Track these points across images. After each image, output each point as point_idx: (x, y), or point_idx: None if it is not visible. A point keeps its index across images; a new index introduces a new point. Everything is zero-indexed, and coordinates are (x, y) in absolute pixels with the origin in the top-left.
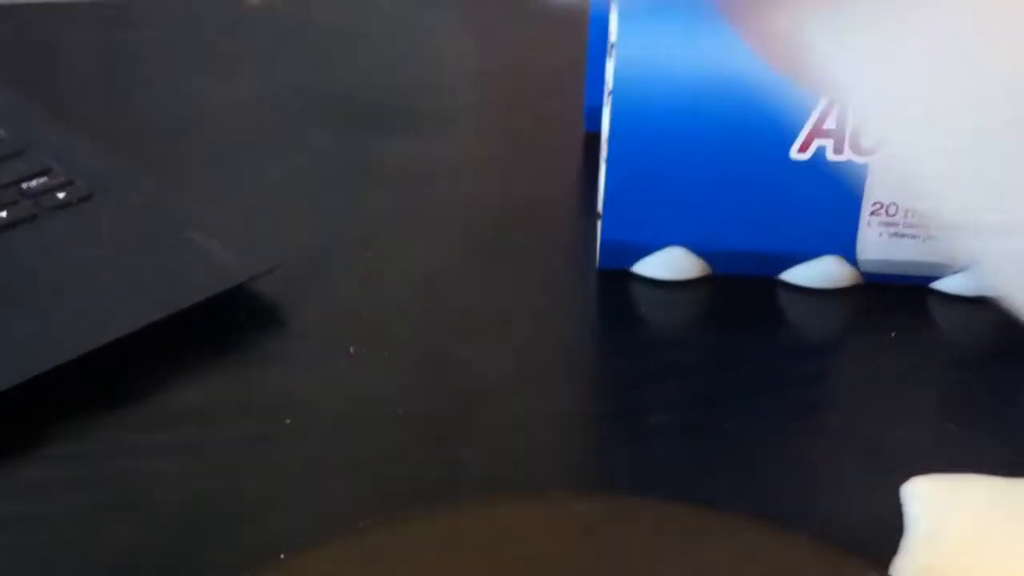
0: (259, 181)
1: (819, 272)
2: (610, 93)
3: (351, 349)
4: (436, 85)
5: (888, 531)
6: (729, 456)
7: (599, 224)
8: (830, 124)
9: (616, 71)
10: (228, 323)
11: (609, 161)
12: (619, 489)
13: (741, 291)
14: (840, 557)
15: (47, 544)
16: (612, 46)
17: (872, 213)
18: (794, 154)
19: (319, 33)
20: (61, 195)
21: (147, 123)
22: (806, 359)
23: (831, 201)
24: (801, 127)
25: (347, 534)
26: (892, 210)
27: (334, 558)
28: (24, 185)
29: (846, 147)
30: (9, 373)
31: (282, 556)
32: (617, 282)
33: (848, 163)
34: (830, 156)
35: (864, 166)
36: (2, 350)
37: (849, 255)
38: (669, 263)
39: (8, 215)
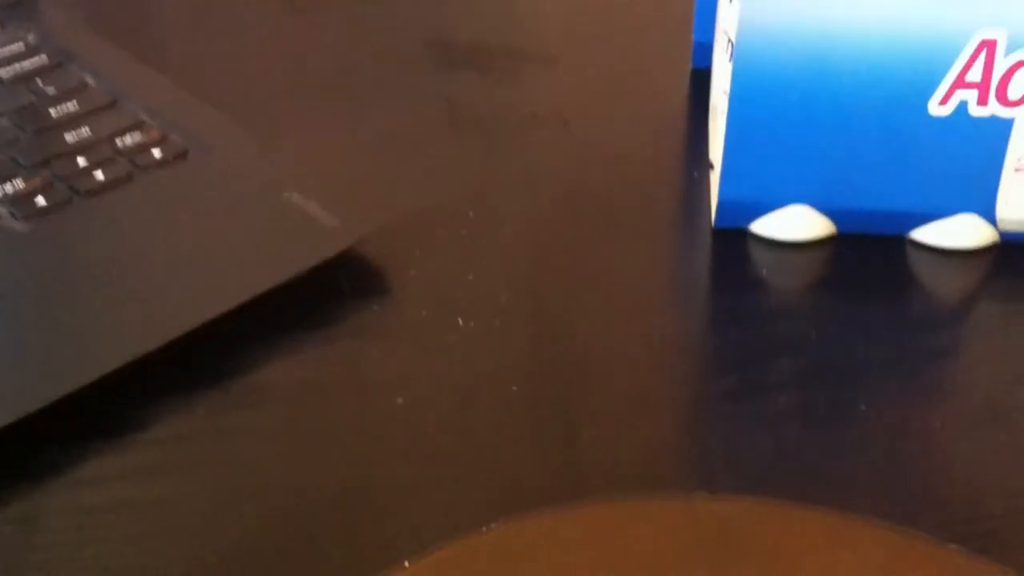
0: (356, 134)
1: (953, 231)
2: (729, 40)
3: (459, 321)
4: (535, 22)
5: None
6: (858, 438)
7: (712, 175)
8: (973, 75)
9: (740, 18)
10: (331, 291)
11: (729, 114)
12: (741, 474)
13: (868, 252)
14: (987, 569)
15: (156, 531)
16: None
17: (1017, 170)
18: (933, 108)
19: None
20: (156, 153)
21: (240, 72)
22: (939, 327)
23: (971, 156)
24: (942, 78)
25: (472, 537)
26: None
27: (459, 563)
28: (118, 141)
29: (991, 99)
30: (111, 355)
31: (406, 564)
32: (734, 242)
33: (992, 118)
34: (972, 110)
35: (1009, 120)
36: (103, 330)
37: (987, 213)
38: (791, 222)
39: (104, 175)
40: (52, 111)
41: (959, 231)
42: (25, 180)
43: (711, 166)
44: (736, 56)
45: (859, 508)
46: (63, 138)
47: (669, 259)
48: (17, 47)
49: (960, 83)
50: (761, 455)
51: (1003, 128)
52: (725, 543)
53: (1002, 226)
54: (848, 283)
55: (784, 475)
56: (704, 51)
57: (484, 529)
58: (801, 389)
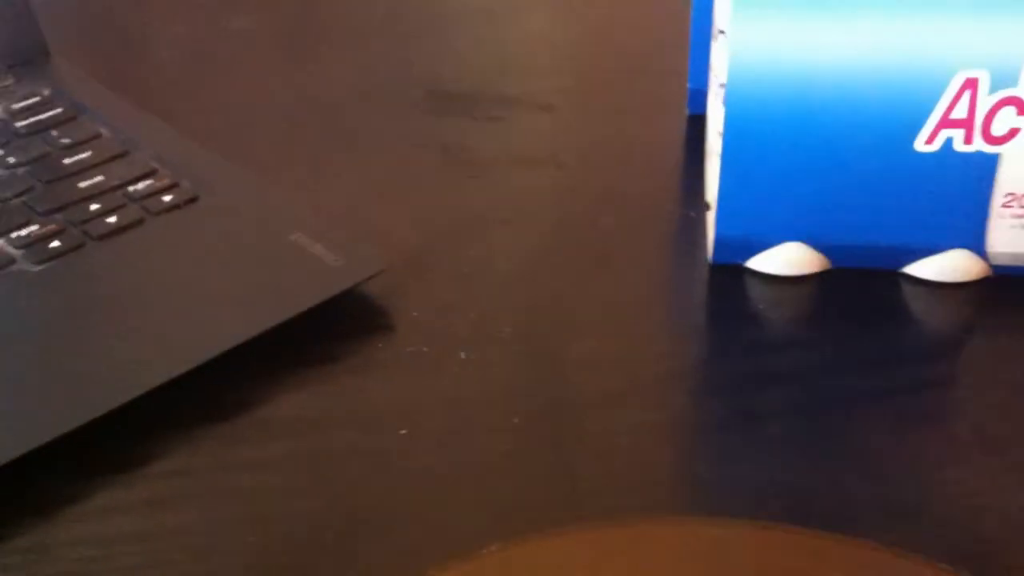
0: (358, 174)
1: (946, 265)
2: (721, 84)
3: (462, 354)
4: (533, 68)
5: None
6: (853, 466)
7: (708, 215)
8: (959, 113)
9: (730, 61)
10: (335, 329)
11: (724, 154)
12: (738, 500)
13: (862, 286)
14: None
15: (161, 561)
16: (720, 32)
17: (1004, 205)
18: (920, 146)
19: (410, 18)
20: (167, 198)
21: (242, 117)
22: (933, 359)
23: (959, 193)
24: (927, 117)
25: (469, 559)
26: None
27: None
28: (130, 188)
29: (976, 137)
30: (119, 390)
31: None
32: (731, 277)
33: (978, 154)
34: (958, 147)
35: (995, 156)
36: (113, 366)
37: (977, 248)
38: (786, 258)
39: (117, 220)
40: (66, 160)
41: (950, 266)
42: (40, 225)
43: (707, 206)
44: (728, 98)
45: (851, 533)
46: (77, 185)
47: (666, 294)
48: (33, 100)
49: (945, 121)
50: (756, 483)
51: (989, 165)
52: (718, 566)
53: (992, 260)
54: (842, 316)
55: (778, 502)
56: (699, 98)
57: (482, 552)
58: (795, 418)
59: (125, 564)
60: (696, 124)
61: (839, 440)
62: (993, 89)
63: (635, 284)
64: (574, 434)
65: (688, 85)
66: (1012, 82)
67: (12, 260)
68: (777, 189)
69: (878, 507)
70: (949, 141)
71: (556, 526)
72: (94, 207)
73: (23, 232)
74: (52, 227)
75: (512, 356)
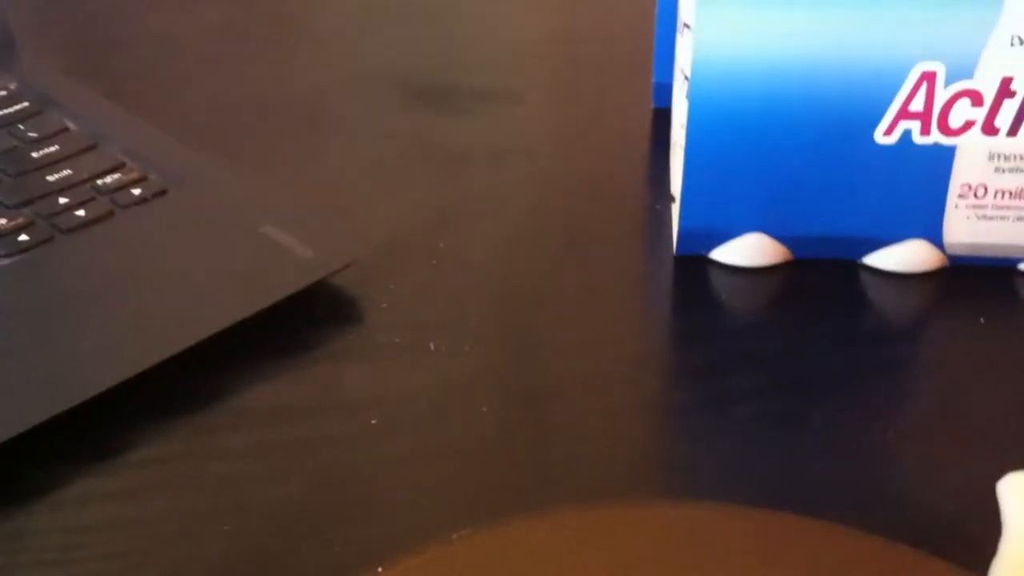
0: (329, 166)
1: (904, 256)
2: (685, 77)
3: (431, 345)
4: (504, 62)
5: (982, 528)
6: (815, 446)
7: (673, 207)
8: (916, 105)
9: (694, 55)
10: (306, 320)
11: (687, 147)
12: (707, 482)
13: (823, 276)
14: (937, 567)
15: (139, 550)
16: (685, 26)
17: (960, 196)
18: (879, 137)
19: (383, 11)
20: (136, 191)
21: (213, 109)
22: (891, 345)
23: (917, 184)
24: (886, 109)
25: (441, 544)
26: (980, 192)
27: (430, 569)
28: (99, 181)
29: (933, 128)
30: (94, 380)
31: (380, 570)
32: (695, 268)
33: (934, 146)
34: (916, 139)
35: (952, 148)
36: (86, 356)
37: (935, 238)
38: (749, 249)
39: (86, 213)
40: (34, 154)
41: (909, 256)
42: (8, 219)
43: (672, 199)
44: (692, 91)
45: (817, 511)
46: (45, 179)
47: (633, 283)
48: (1, 85)
49: (904, 113)
50: (723, 463)
51: (946, 156)
52: (688, 546)
53: (949, 250)
54: (803, 304)
55: (745, 482)
56: (664, 92)
57: (454, 536)
58: (759, 400)
59: (102, 552)
60: (662, 117)
61: (803, 421)
62: (949, 81)
63: (603, 273)
64: (545, 420)
65: (653, 79)
66: (968, 74)
67: None
68: (739, 181)
69: (841, 486)
70: (907, 133)
71: (529, 511)
72: (63, 200)
73: None
74: (20, 220)
75: (482, 344)
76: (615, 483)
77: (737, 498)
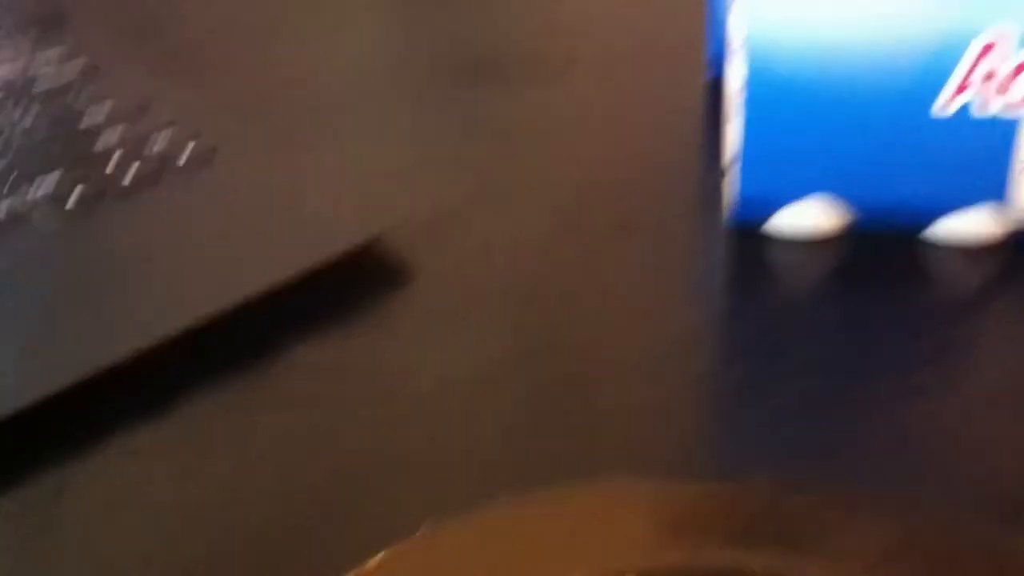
0: (381, 136)
1: (967, 227)
2: (742, 43)
3: (475, 312)
4: (549, 34)
5: None
6: (870, 430)
7: (725, 180)
8: (978, 76)
9: (751, 18)
10: (349, 284)
11: (744, 115)
12: (753, 462)
13: (882, 248)
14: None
15: (182, 503)
16: None
17: None
18: (938, 109)
19: None
20: (185, 154)
21: (263, 80)
22: (953, 321)
23: (979, 155)
24: (947, 79)
25: (474, 514)
26: None
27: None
28: (149, 143)
29: (996, 98)
30: (144, 334)
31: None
32: (748, 240)
33: (999, 116)
34: (976, 111)
35: (1014, 120)
36: (136, 312)
37: (1000, 209)
38: (805, 219)
39: (134, 176)
40: (85, 116)
41: (972, 227)
42: (58, 181)
43: (724, 173)
44: (750, 54)
45: (873, 489)
46: (95, 142)
47: (684, 256)
48: (53, 55)
49: (966, 83)
50: (777, 444)
51: (1010, 126)
52: (739, 524)
53: (1015, 221)
54: (863, 277)
55: (801, 463)
56: (717, 62)
57: (473, 509)
58: (811, 380)
59: (147, 506)
60: (715, 89)
61: (861, 401)
62: (1013, 51)
63: (655, 247)
64: (594, 394)
65: (707, 49)
66: None
67: (32, 215)
68: (797, 147)
69: (900, 468)
70: (967, 105)
71: (571, 483)
72: (113, 163)
73: (43, 187)
74: (69, 182)
75: (524, 318)
76: (665, 459)
77: (789, 476)
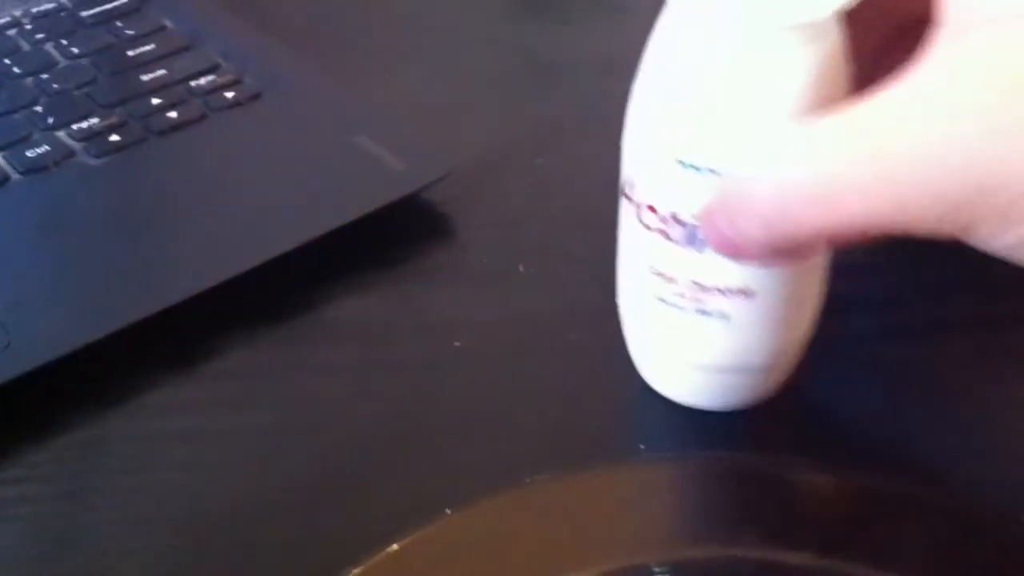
0: (430, 76)
1: None
2: None
3: (520, 267)
4: None
5: None
6: (928, 401)
7: None
8: None
9: None
10: (396, 234)
11: None
12: (799, 430)
13: None
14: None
15: (217, 461)
16: None
17: None
18: None
19: None
20: (230, 94)
21: (312, 12)
22: (1007, 297)
23: None
24: None
25: (511, 491)
26: None
27: (493, 515)
28: (193, 83)
29: None
30: (180, 287)
31: (447, 511)
32: None
33: None
34: None
35: None
36: (173, 262)
37: None
38: None
39: (178, 115)
40: (130, 52)
41: None
42: (101, 118)
43: None
44: None
45: (931, 468)
46: (139, 79)
47: None
48: None
49: None
50: (824, 405)
51: None
52: (777, 518)
53: None
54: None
55: (850, 437)
56: None
57: (527, 481)
58: (868, 343)
59: (181, 461)
60: None
61: (917, 373)
62: None
63: None
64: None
65: None
66: None
67: (73, 152)
68: None
69: (954, 445)
70: None
71: (608, 450)
72: (156, 101)
73: (84, 124)
74: (113, 120)
75: (572, 272)
76: (703, 428)
77: (843, 454)
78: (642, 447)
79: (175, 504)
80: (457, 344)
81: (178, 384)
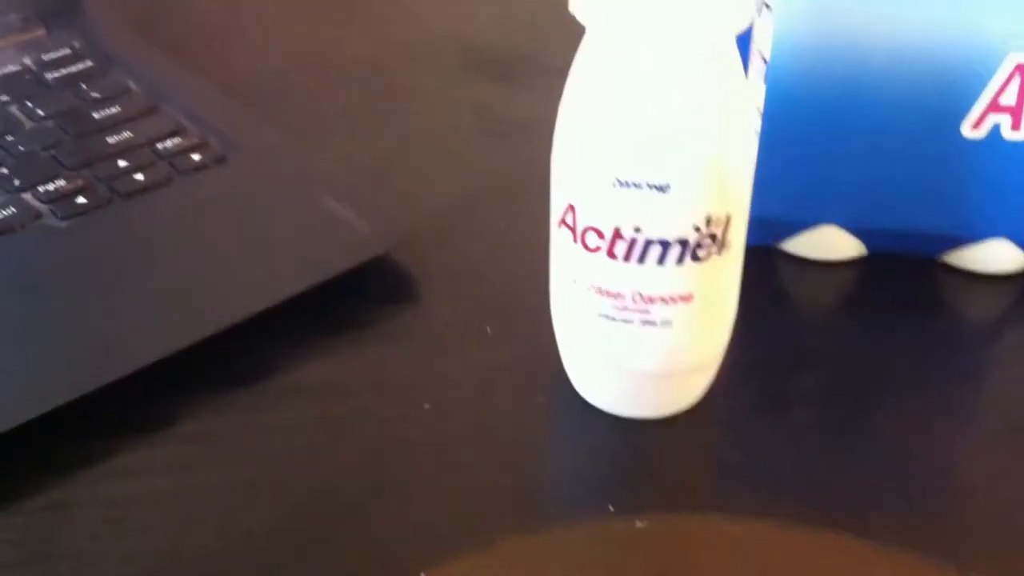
0: (390, 136)
1: (986, 256)
2: (764, 59)
3: (487, 328)
4: (567, 33)
5: None
6: (877, 453)
7: None
8: (1007, 99)
9: (775, 35)
10: (360, 296)
11: (763, 132)
12: (762, 487)
13: (897, 272)
14: None
15: (183, 523)
16: (765, 5)
17: None
18: (966, 131)
19: None
20: (196, 156)
21: (273, 71)
22: (967, 350)
23: (1004, 181)
24: (975, 101)
25: (482, 549)
26: None
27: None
28: (159, 145)
29: None
30: (142, 351)
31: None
32: (763, 259)
33: None
34: (1006, 134)
35: None
36: (136, 326)
37: (1019, 239)
38: (821, 242)
39: (144, 177)
40: (95, 114)
41: (990, 256)
42: (67, 180)
43: None
44: (770, 73)
45: (875, 521)
46: (105, 141)
47: None
48: (63, 51)
49: (994, 107)
50: (782, 468)
51: None
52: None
53: None
54: (875, 302)
55: (803, 488)
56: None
57: (498, 541)
58: (819, 403)
59: (146, 525)
60: None
61: (867, 428)
62: None
63: None
64: (601, 416)
65: None
66: None
67: (38, 215)
68: (815, 170)
69: (903, 498)
70: (997, 128)
71: (573, 510)
72: (122, 163)
73: (50, 186)
74: (79, 182)
75: (538, 331)
76: (670, 483)
77: (793, 505)
78: (611, 508)
79: (144, 566)
80: (425, 406)
81: (143, 448)
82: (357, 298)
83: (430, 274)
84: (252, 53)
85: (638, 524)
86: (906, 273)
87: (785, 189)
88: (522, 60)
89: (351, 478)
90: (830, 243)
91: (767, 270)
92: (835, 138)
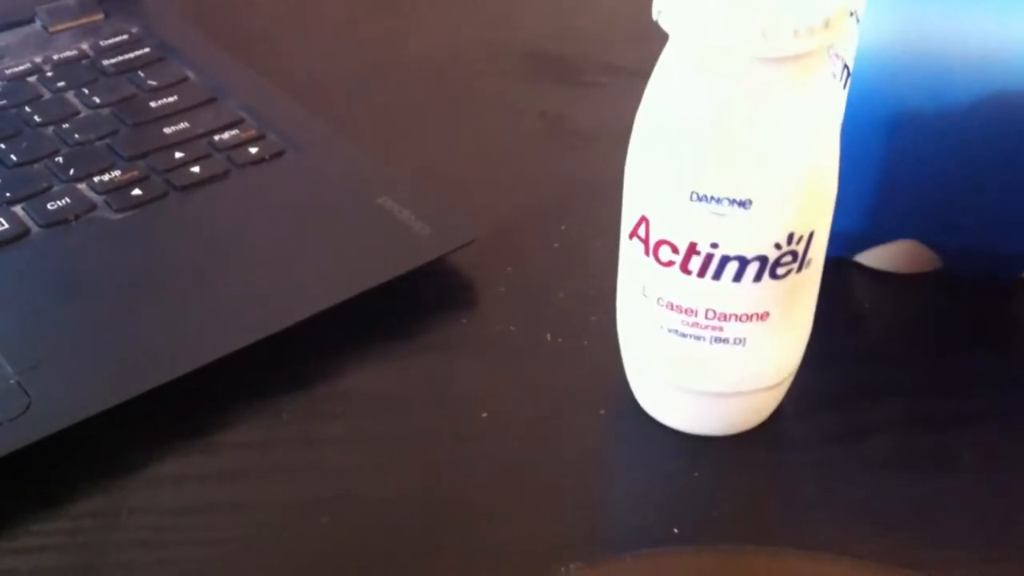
0: (451, 139)
1: None
2: (845, 66)
3: (547, 337)
4: (636, 34)
5: None
6: (961, 491)
7: None
8: None
9: (859, 45)
10: (419, 302)
11: (843, 142)
12: (833, 518)
13: (975, 291)
14: None
15: (233, 536)
16: (851, 14)
17: None
18: None
19: None
20: (253, 150)
21: (335, 71)
22: None
23: None
24: None
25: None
26: None
27: None
28: (216, 137)
29: None
30: (198, 353)
31: None
32: (837, 272)
33: None
34: None
35: None
36: (189, 327)
37: None
38: (898, 255)
39: (201, 170)
40: (152, 104)
41: None
42: (122, 171)
43: None
44: (854, 84)
45: (956, 564)
46: (162, 131)
47: None
48: (122, 38)
49: None
50: (856, 500)
51: None
52: None
53: None
54: (954, 321)
55: (879, 521)
56: None
57: (563, 571)
58: (898, 435)
59: (197, 536)
60: None
61: (948, 462)
62: None
63: None
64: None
65: None
66: None
67: (94, 206)
68: (895, 182)
69: (985, 540)
70: None
71: (638, 528)
72: (178, 155)
73: (105, 177)
74: (135, 174)
75: (601, 342)
76: (737, 515)
77: (864, 538)
78: (676, 531)
79: None
80: (483, 415)
81: (194, 456)
82: (414, 304)
83: (490, 280)
84: (314, 53)
85: (707, 556)
86: (984, 291)
87: (866, 202)
88: (588, 62)
89: (408, 492)
90: (907, 257)
91: (841, 283)
92: (915, 151)
